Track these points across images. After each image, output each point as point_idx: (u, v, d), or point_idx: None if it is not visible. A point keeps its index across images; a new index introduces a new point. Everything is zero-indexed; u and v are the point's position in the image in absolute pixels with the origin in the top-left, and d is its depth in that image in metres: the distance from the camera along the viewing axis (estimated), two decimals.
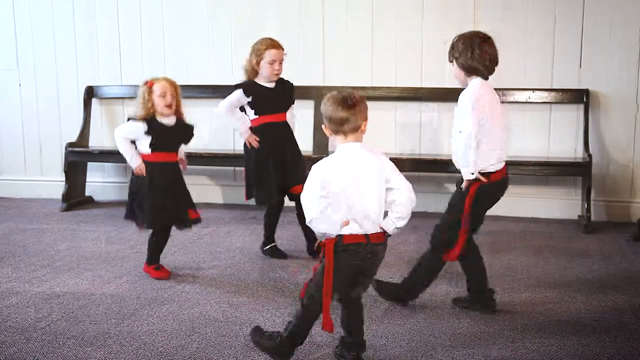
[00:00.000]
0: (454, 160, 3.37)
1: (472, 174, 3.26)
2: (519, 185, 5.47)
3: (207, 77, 5.83)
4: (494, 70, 3.42)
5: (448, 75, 5.47)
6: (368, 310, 3.40)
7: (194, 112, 5.74)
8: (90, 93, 6.05)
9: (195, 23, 5.84)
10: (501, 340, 3.07)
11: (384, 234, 2.75)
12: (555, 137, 5.39)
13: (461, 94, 3.35)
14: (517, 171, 5.20)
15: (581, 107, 5.29)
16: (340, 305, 2.89)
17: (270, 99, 4.24)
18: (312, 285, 2.78)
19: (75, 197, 5.92)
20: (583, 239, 4.82)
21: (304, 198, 2.71)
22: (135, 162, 3.83)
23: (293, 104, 4.37)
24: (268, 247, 4.39)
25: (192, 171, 5.81)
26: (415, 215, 5.69)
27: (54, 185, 6.10)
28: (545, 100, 5.35)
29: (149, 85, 3.78)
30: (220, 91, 5.80)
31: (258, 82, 4.23)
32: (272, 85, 4.23)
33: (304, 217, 2.76)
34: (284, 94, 4.30)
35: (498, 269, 4.11)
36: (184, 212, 3.91)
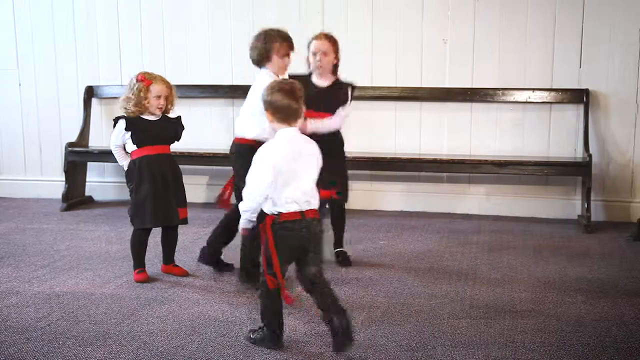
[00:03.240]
0: None
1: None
2: (519, 185, 5.48)
3: (207, 77, 5.83)
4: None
5: (448, 75, 5.50)
6: (368, 311, 3.41)
7: (194, 112, 5.78)
8: (90, 93, 6.05)
9: (195, 23, 5.84)
10: (501, 340, 3.07)
11: (317, 211, 2.94)
12: (555, 137, 5.39)
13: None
14: (517, 171, 5.22)
15: (581, 107, 5.29)
16: (311, 295, 2.98)
17: None
18: (262, 271, 2.93)
19: (75, 197, 5.92)
20: (583, 239, 4.82)
21: (250, 183, 2.90)
22: (123, 164, 3.91)
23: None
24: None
25: (192, 171, 5.82)
26: (414, 215, 5.70)
27: (54, 185, 6.10)
28: (545, 100, 5.35)
29: (147, 84, 3.76)
30: (220, 91, 5.83)
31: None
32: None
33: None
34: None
35: (498, 269, 4.11)
36: (173, 210, 3.85)
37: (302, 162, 2.91)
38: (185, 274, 3.97)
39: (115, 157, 3.92)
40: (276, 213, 2.88)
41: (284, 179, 2.86)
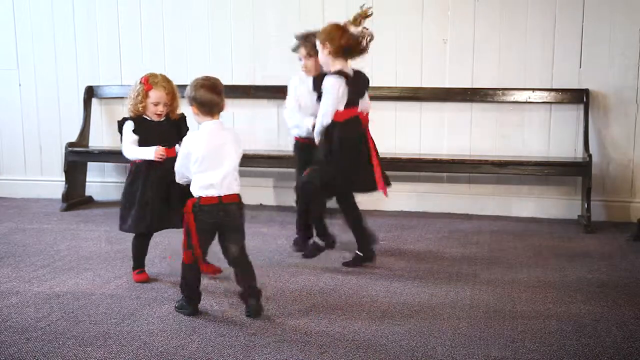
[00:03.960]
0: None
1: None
2: (519, 185, 5.49)
3: None
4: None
5: (448, 75, 5.50)
6: (368, 311, 3.41)
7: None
8: (90, 93, 6.05)
9: (195, 23, 5.84)
10: (501, 340, 3.07)
11: (238, 195, 3.32)
12: (555, 137, 5.39)
13: None
14: (517, 171, 5.22)
15: (581, 107, 5.29)
16: (234, 269, 3.40)
17: None
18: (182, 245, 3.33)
19: (75, 197, 5.93)
20: (583, 239, 4.82)
21: (176, 165, 3.40)
22: (149, 154, 3.72)
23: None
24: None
25: None
26: (415, 215, 5.70)
27: (54, 185, 6.10)
28: (545, 100, 5.35)
29: (146, 88, 3.72)
30: None
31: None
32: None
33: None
34: None
35: (498, 269, 4.11)
36: (172, 213, 3.75)
37: (220, 151, 3.27)
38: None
39: (136, 155, 3.75)
40: (197, 197, 3.26)
41: (204, 165, 3.25)
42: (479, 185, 5.56)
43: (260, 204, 5.85)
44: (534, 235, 4.91)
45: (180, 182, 3.45)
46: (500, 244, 4.67)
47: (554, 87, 5.34)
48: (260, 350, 2.96)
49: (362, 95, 4.06)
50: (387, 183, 4.10)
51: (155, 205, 3.74)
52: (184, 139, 3.36)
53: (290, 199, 5.84)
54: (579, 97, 5.27)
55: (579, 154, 5.33)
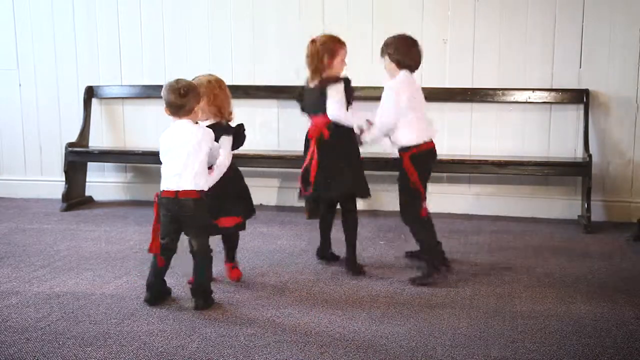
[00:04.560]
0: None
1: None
2: (519, 185, 5.48)
3: None
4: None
5: (448, 75, 5.50)
6: (368, 311, 3.41)
7: None
8: (90, 93, 6.05)
9: (195, 23, 5.84)
10: (501, 340, 3.07)
11: (197, 192, 3.39)
12: (555, 137, 5.39)
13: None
14: (517, 171, 5.22)
15: (581, 107, 5.29)
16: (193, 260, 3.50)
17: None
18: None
19: (75, 197, 5.92)
20: (583, 239, 4.82)
21: None
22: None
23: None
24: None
25: None
26: None
27: (54, 185, 6.10)
28: (545, 100, 5.35)
29: None
30: None
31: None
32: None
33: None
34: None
35: (498, 269, 4.11)
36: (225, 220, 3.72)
37: (178, 146, 3.39)
38: (238, 279, 3.91)
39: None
40: (160, 190, 3.44)
41: (163, 158, 3.45)
42: (479, 185, 5.56)
43: (260, 204, 5.85)
44: (534, 235, 4.91)
45: None
46: (500, 244, 4.67)
47: (554, 87, 5.34)
48: (260, 350, 2.96)
49: (308, 107, 4.09)
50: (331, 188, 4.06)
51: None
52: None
53: (290, 198, 5.86)
54: (579, 97, 5.27)
55: (579, 154, 5.33)
